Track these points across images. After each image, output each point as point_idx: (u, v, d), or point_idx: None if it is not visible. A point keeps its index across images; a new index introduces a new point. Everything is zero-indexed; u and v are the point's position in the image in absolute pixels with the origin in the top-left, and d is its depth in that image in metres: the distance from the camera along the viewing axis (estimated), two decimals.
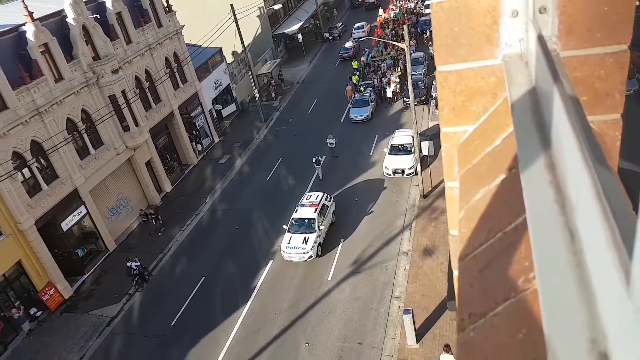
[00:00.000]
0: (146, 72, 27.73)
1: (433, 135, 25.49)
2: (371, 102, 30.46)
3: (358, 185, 24.13)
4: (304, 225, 19.91)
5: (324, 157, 25.70)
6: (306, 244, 19.21)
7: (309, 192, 22.11)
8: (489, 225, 0.88)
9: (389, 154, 24.07)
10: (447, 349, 13.33)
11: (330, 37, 49.95)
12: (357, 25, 47.99)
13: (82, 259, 22.88)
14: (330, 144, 26.75)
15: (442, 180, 20.99)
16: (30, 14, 20.19)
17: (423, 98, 30.33)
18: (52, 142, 20.91)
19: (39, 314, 20.67)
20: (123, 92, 24.57)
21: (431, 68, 34.00)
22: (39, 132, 20.51)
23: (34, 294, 20.55)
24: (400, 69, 33.20)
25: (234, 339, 17.06)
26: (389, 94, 30.97)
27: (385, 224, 20.81)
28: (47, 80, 20.87)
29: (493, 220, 0.89)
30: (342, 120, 31.21)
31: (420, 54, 36.24)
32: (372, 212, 21.83)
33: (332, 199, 21.89)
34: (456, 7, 1.08)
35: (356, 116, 29.58)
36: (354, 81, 34.80)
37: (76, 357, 18.38)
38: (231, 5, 33.11)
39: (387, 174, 23.63)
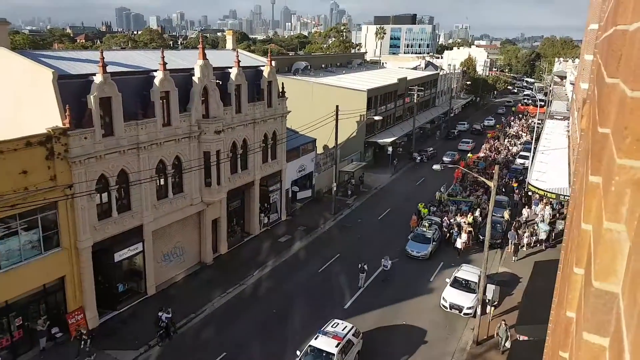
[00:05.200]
0: (244, 140, 28.14)
1: (501, 282, 24.63)
2: (433, 241, 28.11)
3: (410, 305, 22.83)
4: (320, 359, 16.69)
5: (365, 265, 24.34)
6: None
7: (336, 319, 19.49)
8: None
9: (450, 285, 23.00)
10: None
11: (419, 158, 50.80)
12: (448, 152, 50.50)
13: (120, 294, 21.55)
14: (384, 266, 24.75)
15: (496, 334, 18.48)
16: (164, 63, 20.85)
17: (499, 241, 29.14)
18: (138, 175, 20.37)
19: (59, 334, 18.84)
20: (218, 151, 24.70)
21: (512, 215, 32.31)
22: (131, 163, 20.18)
23: (63, 313, 18.96)
24: (472, 219, 30.51)
25: None
26: (458, 245, 28.04)
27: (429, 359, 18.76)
28: (156, 122, 20.98)
29: None
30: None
31: (505, 198, 34.90)
32: (417, 340, 20.15)
33: (361, 335, 18.86)
34: None
35: (412, 251, 27.39)
36: (421, 212, 32.93)
37: None
38: (337, 106, 33.76)
39: (444, 306, 22.37)
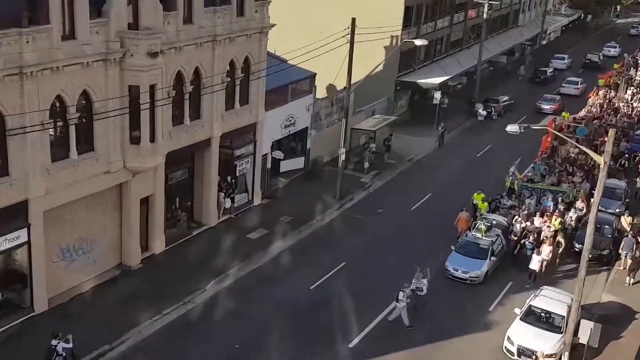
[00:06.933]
0: (196, 71, 27.95)
1: (603, 317, 24.71)
2: (492, 255, 28.35)
3: (454, 348, 23.31)
4: None
5: (407, 291, 24.20)
6: None
7: None
8: None
9: (521, 319, 23.40)
10: None
11: (484, 113, 51.50)
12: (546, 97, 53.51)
13: None
14: (418, 287, 24.79)
15: None
16: None
17: (606, 252, 29.44)
18: (21, 120, 20.46)
19: None
20: (152, 87, 24.50)
21: (631, 210, 32.63)
22: (10, 99, 20.10)
23: None
24: (561, 224, 30.48)
25: None
26: (533, 265, 27.93)
27: None
28: (51, 32, 20.77)
29: None
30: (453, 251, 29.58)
31: (622, 183, 35.25)
32: None
33: None
34: None
35: (457, 271, 27.75)
36: (478, 206, 32.89)
37: None
38: (353, 19, 33.28)
39: (509, 351, 22.72)
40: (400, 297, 23.77)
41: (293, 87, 35.52)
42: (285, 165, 37.18)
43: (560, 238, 29.27)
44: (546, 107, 54.01)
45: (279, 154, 35.97)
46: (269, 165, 35.03)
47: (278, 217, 32.40)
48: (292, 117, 35.89)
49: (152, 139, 25.19)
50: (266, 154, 34.36)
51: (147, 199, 27.00)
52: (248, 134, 32.38)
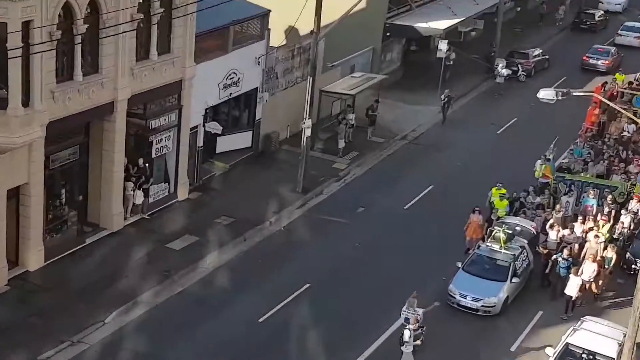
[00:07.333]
0: (93, 3, 27.46)
1: None
2: (514, 276, 28.74)
3: None
4: None
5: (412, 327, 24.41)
6: None
7: None
8: None
9: None
10: None
11: (507, 73, 51.97)
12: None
13: None
14: (405, 319, 24.88)
15: None
16: None
17: None
18: None
19: None
20: (26, 25, 24.15)
21: None
22: None
23: None
24: (610, 231, 30.82)
25: None
26: (570, 291, 27.89)
27: None
28: None
29: None
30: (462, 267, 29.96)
31: None
32: None
33: None
34: None
35: (465, 297, 28.14)
36: (495, 207, 33.01)
37: None
38: None
39: None
40: (406, 339, 23.76)
41: (237, 29, 35.64)
42: (225, 144, 37.28)
43: (609, 252, 29.30)
44: (597, 62, 54.62)
45: (215, 127, 35.77)
46: (200, 143, 35.08)
47: (213, 219, 32.57)
48: (235, 73, 35.89)
49: (26, 102, 24.97)
50: (196, 127, 34.36)
51: (16, 190, 26.69)
52: (170, 98, 32.32)
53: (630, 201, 32.74)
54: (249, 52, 36.48)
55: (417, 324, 24.20)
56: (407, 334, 23.83)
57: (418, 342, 24.13)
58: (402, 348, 23.98)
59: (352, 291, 28.33)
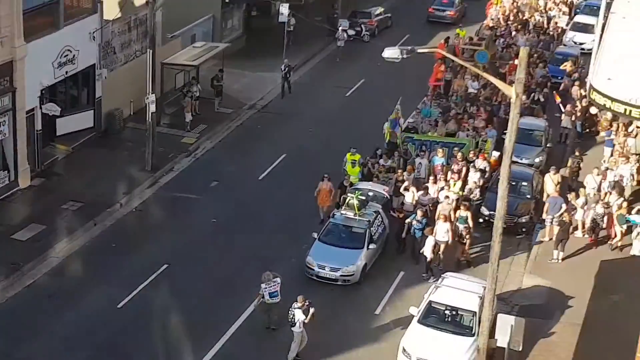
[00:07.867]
0: None
1: (526, 308, 25.66)
2: (370, 243, 28.77)
3: None
4: None
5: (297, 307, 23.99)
6: None
7: None
8: None
9: (418, 321, 24.08)
10: None
11: (352, 33, 51.96)
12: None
13: None
14: (272, 293, 24.69)
15: None
16: None
17: (525, 220, 30.92)
18: None
19: None
20: None
21: (554, 158, 34.41)
22: None
23: None
24: (461, 189, 31.40)
25: None
26: (427, 251, 28.08)
27: None
28: None
29: None
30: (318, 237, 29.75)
31: (541, 123, 36.79)
32: None
33: None
34: None
35: (323, 268, 27.95)
36: (347, 173, 32.97)
37: None
38: None
39: None
40: (296, 318, 23.38)
41: (67, 3, 34.70)
42: (65, 125, 36.40)
43: (462, 211, 29.33)
44: (442, 14, 55.38)
45: (53, 108, 34.64)
46: (39, 127, 34.14)
47: (60, 205, 31.87)
48: (70, 49, 35.04)
49: None
50: (33, 110, 33.47)
51: None
52: (1, 80, 31.27)
53: (476, 160, 33.00)
54: (83, 26, 35.51)
55: (304, 301, 23.80)
56: (298, 313, 23.44)
57: (309, 316, 23.63)
58: (293, 329, 23.71)
59: (210, 269, 28.13)
